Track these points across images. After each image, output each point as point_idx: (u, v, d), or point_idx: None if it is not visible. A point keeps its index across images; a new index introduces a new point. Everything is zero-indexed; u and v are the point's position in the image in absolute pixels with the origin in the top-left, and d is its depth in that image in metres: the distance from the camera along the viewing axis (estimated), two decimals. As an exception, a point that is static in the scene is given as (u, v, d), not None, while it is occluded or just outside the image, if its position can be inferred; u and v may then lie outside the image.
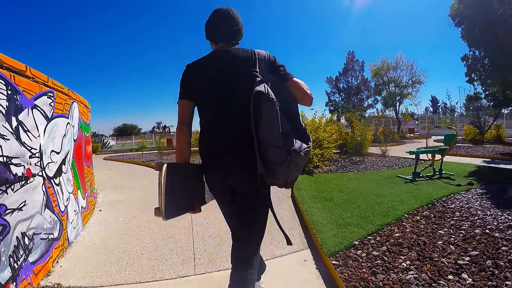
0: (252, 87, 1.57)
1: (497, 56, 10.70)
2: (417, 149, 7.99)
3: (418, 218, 4.22)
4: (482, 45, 11.35)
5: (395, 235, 3.68)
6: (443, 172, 7.11)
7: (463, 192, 5.50)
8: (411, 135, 29.88)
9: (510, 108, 22.67)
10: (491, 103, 21.44)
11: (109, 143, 30.58)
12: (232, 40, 1.87)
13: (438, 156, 7.46)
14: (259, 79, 1.62)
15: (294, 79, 1.82)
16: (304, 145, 1.68)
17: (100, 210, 5.77)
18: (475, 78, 22.07)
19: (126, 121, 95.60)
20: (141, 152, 16.86)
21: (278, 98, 1.57)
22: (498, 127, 20.47)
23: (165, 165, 1.62)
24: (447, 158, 6.90)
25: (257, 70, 1.68)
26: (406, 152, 8.22)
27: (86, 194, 5.30)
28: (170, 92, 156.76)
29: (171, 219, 1.72)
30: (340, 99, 47.65)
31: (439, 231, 3.69)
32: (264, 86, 1.57)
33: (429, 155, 7.76)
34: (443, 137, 8.27)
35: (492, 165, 8.86)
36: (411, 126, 34.40)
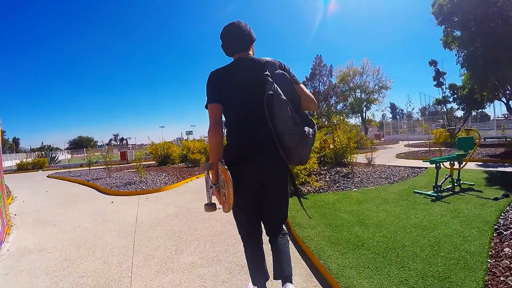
0: (264, 89, 1.89)
1: (496, 50, 9.47)
2: (433, 158, 6.33)
3: (508, 262, 2.73)
4: (478, 39, 10.08)
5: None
6: (461, 182, 5.89)
7: (510, 207, 4.35)
8: (378, 141, 29.15)
9: (479, 110, 22.14)
10: (461, 106, 21.00)
11: (57, 157, 26.96)
12: (244, 49, 2.11)
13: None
14: (270, 81, 1.90)
15: (301, 84, 2.08)
16: (311, 130, 1.95)
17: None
18: (443, 81, 21.86)
19: (82, 134, 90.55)
20: (89, 168, 14.10)
21: (285, 92, 1.88)
22: (467, 130, 19.86)
23: (223, 165, 1.86)
24: (419, 163, 6.26)
25: (268, 74, 1.95)
26: (424, 161, 6.57)
27: None
28: (127, 103, 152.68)
29: None
30: None
31: None
32: (274, 87, 1.87)
33: (445, 164, 6.18)
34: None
35: (491, 169, 8.26)
36: (377, 132, 33.78)
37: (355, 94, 29.29)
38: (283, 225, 2.23)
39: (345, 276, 2.65)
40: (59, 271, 3.35)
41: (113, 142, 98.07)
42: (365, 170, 8.74)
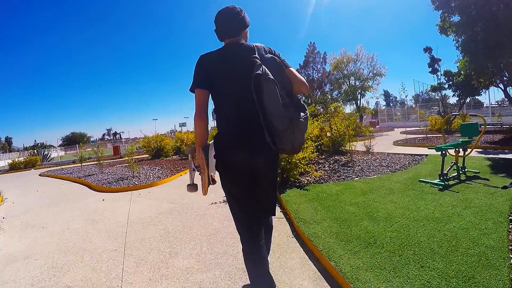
0: (253, 70, 1.82)
1: (497, 35, 9.17)
2: (438, 145, 6.11)
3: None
4: (478, 23, 9.76)
5: None
6: (466, 170, 5.70)
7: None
8: (373, 128, 28.97)
9: (474, 97, 21.93)
10: (456, 93, 20.79)
11: (49, 155, 26.38)
12: (235, 34, 2.05)
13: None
14: (258, 63, 1.84)
15: (291, 68, 2.03)
16: (302, 114, 1.93)
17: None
18: (438, 68, 21.56)
19: (75, 129, 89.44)
20: (81, 165, 13.68)
21: (275, 76, 1.81)
22: (463, 116, 19.73)
23: (201, 150, 1.96)
24: (434, 151, 5.72)
25: (257, 56, 1.89)
26: (429, 148, 6.30)
27: None
28: (119, 97, 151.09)
29: None
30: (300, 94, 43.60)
31: None
32: (262, 68, 1.80)
33: (450, 151, 5.95)
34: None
35: (493, 155, 7.98)
36: (372, 119, 33.57)
37: (349, 81, 28.86)
38: (274, 212, 2.18)
39: (360, 280, 2.37)
40: (45, 281, 3.03)
41: (106, 136, 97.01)
42: (365, 158, 8.46)
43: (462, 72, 19.72)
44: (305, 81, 2.03)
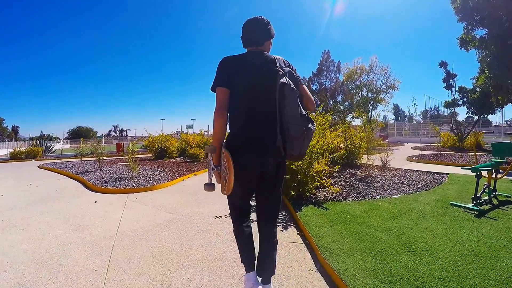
0: (276, 80, 1.94)
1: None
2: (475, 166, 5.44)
3: None
4: None
5: None
6: (497, 193, 5.16)
7: None
8: (382, 142, 28.03)
9: (487, 115, 21.09)
10: (470, 110, 20.05)
11: (52, 147, 25.83)
12: (259, 43, 2.13)
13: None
14: (281, 73, 1.97)
15: (304, 85, 2.19)
16: (312, 126, 2.02)
17: None
18: (453, 83, 20.82)
19: (82, 124, 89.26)
20: (80, 160, 13.05)
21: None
22: (476, 134, 18.96)
23: (225, 149, 1.96)
24: (453, 170, 5.84)
25: (280, 66, 2.03)
26: (464, 168, 5.61)
27: None
28: (128, 94, 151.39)
29: None
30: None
31: None
32: (286, 78, 1.94)
33: (483, 172, 5.25)
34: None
35: None
36: (381, 133, 32.71)
37: (361, 92, 28.02)
38: (277, 215, 2.28)
39: None
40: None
41: (113, 133, 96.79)
42: (383, 174, 7.76)
43: (478, 89, 19.08)
44: (313, 100, 2.22)
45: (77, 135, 71.68)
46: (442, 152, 14.55)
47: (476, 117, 20.41)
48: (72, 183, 8.54)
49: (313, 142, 5.30)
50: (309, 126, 1.97)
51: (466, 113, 20.31)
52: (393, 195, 5.47)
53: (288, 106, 1.90)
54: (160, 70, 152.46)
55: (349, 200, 5.16)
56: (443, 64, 20.76)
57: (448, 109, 20.55)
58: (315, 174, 5.27)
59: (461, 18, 12.09)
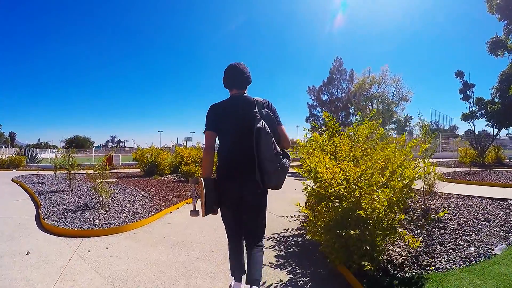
0: (254, 123, 2.19)
1: None
2: None
3: None
4: None
5: None
6: None
7: None
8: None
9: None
10: (490, 122, 17.96)
11: (37, 156, 23.37)
12: (242, 87, 2.47)
13: None
14: (259, 117, 2.23)
15: (282, 126, 2.46)
16: (287, 160, 2.30)
17: None
18: (471, 94, 18.81)
19: (79, 133, 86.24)
20: (55, 173, 10.67)
21: (269, 128, 2.20)
22: (496, 148, 16.93)
23: (202, 179, 2.23)
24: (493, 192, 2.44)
25: (257, 111, 2.29)
26: None
27: None
28: (126, 105, 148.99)
29: None
30: (322, 114, 37.55)
31: None
32: (262, 122, 2.19)
33: None
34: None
35: None
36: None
37: (371, 105, 25.76)
38: (261, 238, 2.51)
39: None
40: None
41: (110, 144, 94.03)
42: (437, 203, 5.62)
43: (498, 100, 17.11)
44: (288, 139, 2.51)
45: (73, 144, 69.17)
46: (471, 169, 12.32)
47: (495, 130, 18.25)
48: (26, 209, 6.25)
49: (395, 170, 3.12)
50: (283, 162, 2.24)
51: (486, 126, 18.14)
52: (493, 247, 3.30)
53: (263, 147, 2.14)
54: (159, 81, 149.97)
55: (441, 261, 3.04)
56: (459, 74, 18.75)
57: (466, 122, 18.42)
58: (395, 222, 2.96)
59: (502, 16, 9.96)
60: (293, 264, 3.34)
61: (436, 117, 32.15)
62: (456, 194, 6.72)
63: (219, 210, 2.44)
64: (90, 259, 3.54)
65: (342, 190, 2.94)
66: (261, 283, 2.50)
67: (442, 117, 33.28)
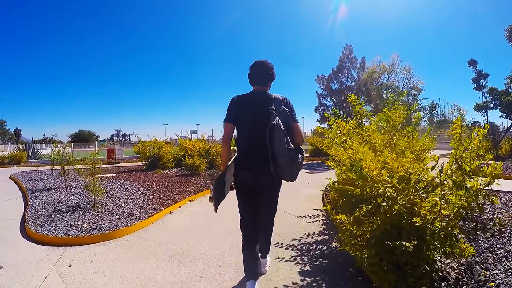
0: (270, 119, 2.30)
1: None
2: None
3: None
4: None
5: None
6: None
7: None
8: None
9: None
10: (504, 113, 17.09)
11: (39, 152, 22.80)
12: (264, 84, 2.58)
13: None
14: (274, 114, 2.33)
15: (297, 123, 2.57)
16: (300, 156, 2.39)
17: None
18: (484, 84, 17.93)
19: (84, 127, 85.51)
20: (51, 169, 10.08)
21: (283, 125, 2.30)
22: (510, 140, 16.21)
23: (215, 179, 2.44)
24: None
25: (274, 108, 2.41)
26: None
27: None
28: (131, 98, 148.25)
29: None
30: (332, 103, 35.15)
31: None
32: (277, 119, 2.29)
33: None
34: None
35: None
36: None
37: (381, 95, 24.77)
38: (271, 226, 2.78)
39: None
40: None
41: (115, 137, 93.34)
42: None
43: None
44: (302, 136, 2.62)
45: (78, 138, 68.61)
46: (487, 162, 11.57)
47: (510, 122, 17.38)
48: (15, 210, 5.59)
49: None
50: (296, 157, 2.33)
51: (500, 117, 17.24)
52: None
53: (276, 142, 2.25)
54: (164, 74, 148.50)
55: (498, 274, 2.48)
56: (472, 63, 17.84)
57: (479, 112, 17.54)
58: (450, 227, 2.23)
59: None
60: (324, 285, 2.61)
61: (446, 108, 31.02)
62: (502, 191, 5.88)
63: (236, 200, 2.59)
64: (70, 276, 2.85)
65: (390, 190, 2.24)
66: None
67: (450, 108, 32.29)
